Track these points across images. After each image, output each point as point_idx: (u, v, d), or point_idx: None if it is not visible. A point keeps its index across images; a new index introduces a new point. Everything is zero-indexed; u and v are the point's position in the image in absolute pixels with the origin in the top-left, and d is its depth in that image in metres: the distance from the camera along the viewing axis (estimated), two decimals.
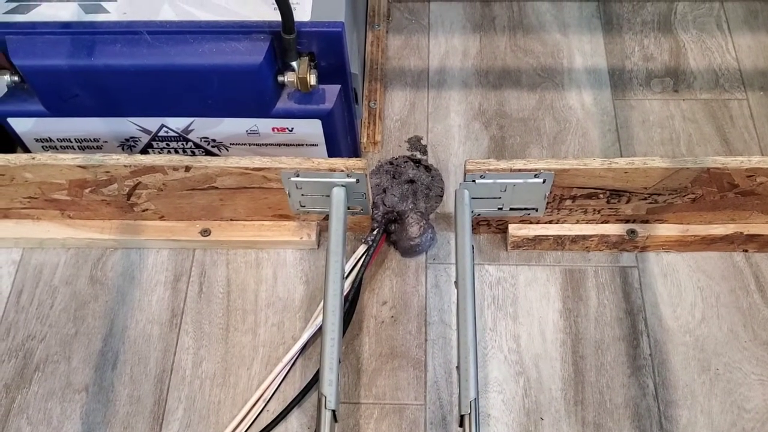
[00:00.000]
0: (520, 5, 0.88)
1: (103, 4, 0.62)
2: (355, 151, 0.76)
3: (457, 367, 0.57)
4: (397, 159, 0.76)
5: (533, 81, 0.82)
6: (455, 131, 0.79)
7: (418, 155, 0.77)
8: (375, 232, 0.69)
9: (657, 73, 0.82)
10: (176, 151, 0.72)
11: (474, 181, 0.63)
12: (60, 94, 0.64)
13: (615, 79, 0.82)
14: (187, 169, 0.64)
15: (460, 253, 0.61)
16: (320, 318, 0.66)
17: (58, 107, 0.66)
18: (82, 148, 0.71)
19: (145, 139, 0.70)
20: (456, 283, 0.61)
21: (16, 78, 0.64)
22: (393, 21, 0.87)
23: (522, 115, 0.80)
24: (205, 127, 0.68)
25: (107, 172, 0.64)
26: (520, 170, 0.62)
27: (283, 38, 0.60)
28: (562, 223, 0.69)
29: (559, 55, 0.84)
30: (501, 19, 0.87)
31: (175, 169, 0.64)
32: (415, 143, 0.78)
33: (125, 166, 0.63)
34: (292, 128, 0.68)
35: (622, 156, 0.76)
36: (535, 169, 0.61)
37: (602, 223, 0.69)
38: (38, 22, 0.61)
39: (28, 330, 0.68)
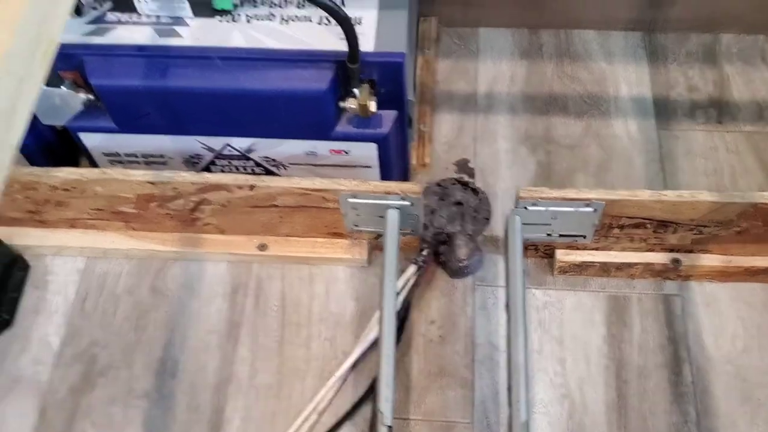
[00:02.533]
0: (567, 33, 0.91)
1: (177, 28, 0.66)
2: (405, 173, 0.78)
3: (508, 389, 0.59)
4: (445, 181, 0.79)
5: (579, 108, 0.84)
6: (502, 155, 0.81)
7: (466, 178, 0.80)
8: (425, 253, 0.72)
9: (701, 104, 0.84)
10: (237, 169, 0.75)
11: (526, 207, 0.65)
12: (132, 112, 0.68)
13: (659, 109, 0.84)
14: (252, 188, 0.67)
15: (512, 279, 0.64)
16: (371, 334, 0.68)
17: (128, 124, 0.69)
18: (147, 163, 0.75)
19: (208, 156, 0.73)
20: (507, 307, 0.63)
21: (91, 96, 0.67)
22: (442, 46, 0.90)
23: (568, 142, 0.82)
24: (266, 148, 0.71)
25: (175, 188, 0.67)
26: (572, 199, 0.64)
27: (348, 67, 0.62)
28: (608, 250, 0.71)
29: (604, 83, 0.86)
30: (548, 46, 0.90)
31: (240, 187, 0.67)
32: (463, 166, 0.81)
33: (192, 183, 0.67)
34: (349, 150, 0.71)
35: (666, 187, 0.78)
36: (587, 199, 0.64)
37: (647, 251, 0.71)
38: (115, 44, 0.64)
39: (92, 336, 0.71)
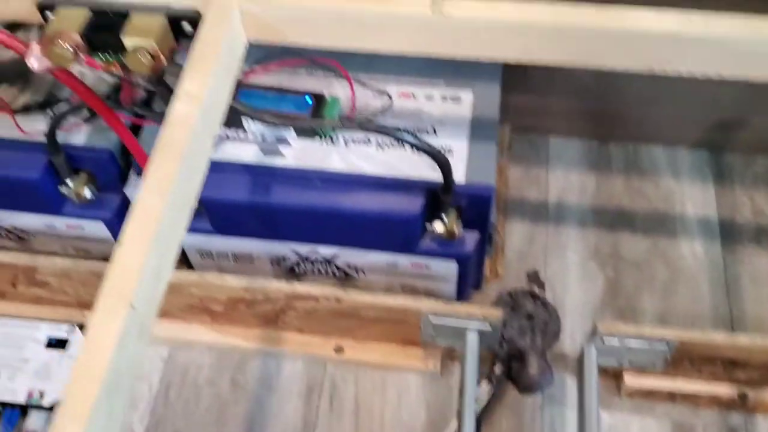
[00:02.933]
0: (636, 148, 0.94)
1: (281, 148, 0.70)
2: (478, 283, 0.81)
3: None
4: (516, 292, 0.82)
5: (646, 225, 0.87)
6: (572, 268, 0.84)
7: (536, 289, 0.83)
8: (498, 371, 0.74)
9: (767, 229, 0.86)
10: (319, 271, 0.78)
11: (602, 340, 0.68)
12: (232, 221, 0.72)
13: (725, 231, 0.86)
14: (338, 300, 0.70)
15: (587, 408, 0.66)
16: None
17: (226, 229, 0.73)
18: (237, 261, 0.78)
19: (294, 259, 0.77)
20: (579, 416, 0.66)
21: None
22: (514, 152, 0.93)
23: (635, 259, 0.84)
24: (350, 256, 0.75)
25: (266, 295, 0.71)
26: (647, 337, 0.66)
27: (440, 196, 0.66)
28: (676, 378, 0.73)
29: (671, 201, 0.89)
30: (617, 159, 0.93)
31: (327, 299, 0.70)
32: (534, 277, 0.84)
33: (284, 292, 0.70)
34: (429, 265, 0.74)
35: (731, 315, 0.80)
36: (662, 337, 0.66)
37: (714, 381, 0.73)
38: (223, 161, 0.69)
39: (175, 426, 0.75)
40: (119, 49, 0.56)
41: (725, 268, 0.83)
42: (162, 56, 0.55)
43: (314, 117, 0.69)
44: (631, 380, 0.74)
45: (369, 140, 0.70)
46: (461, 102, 0.72)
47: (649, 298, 0.82)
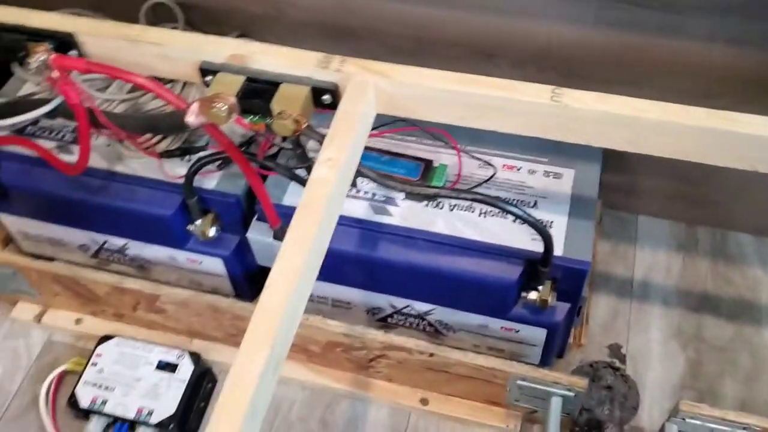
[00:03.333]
0: (723, 233, 0.96)
1: (388, 207, 0.76)
2: (562, 351, 0.85)
3: None
4: (597, 363, 0.85)
5: (731, 311, 0.89)
6: (653, 345, 0.87)
7: (617, 363, 0.85)
8: None
9: None
10: (411, 325, 0.83)
11: (684, 419, 0.70)
12: (337, 269, 0.77)
13: None
14: (431, 355, 0.75)
15: None
16: None
17: (330, 276, 0.79)
18: (335, 306, 0.84)
19: (389, 310, 0.82)
20: None
21: None
22: (604, 227, 0.97)
23: (718, 344, 0.86)
24: (443, 315, 0.80)
25: (363, 342, 0.76)
26: (732, 421, 0.68)
27: (539, 268, 0.70)
28: None
29: (758, 290, 0.91)
30: (704, 243, 0.95)
31: (421, 352, 0.75)
32: (615, 350, 0.87)
33: (380, 342, 0.75)
34: (519, 330, 0.78)
35: None
36: (746, 424, 0.68)
37: None
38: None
39: None
40: (266, 112, 0.63)
41: None
42: (303, 122, 0.62)
43: (423, 181, 0.75)
44: None
45: (472, 207, 0.75)
46: (563, 178, 0.77)
47: (731, 384, 0.83)
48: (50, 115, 0.78)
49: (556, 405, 0.73)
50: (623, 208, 0.98)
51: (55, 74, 0.67)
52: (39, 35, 0.67)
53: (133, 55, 0.66)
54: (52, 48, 0.67)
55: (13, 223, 0.89)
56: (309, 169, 0.68)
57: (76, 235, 0.87)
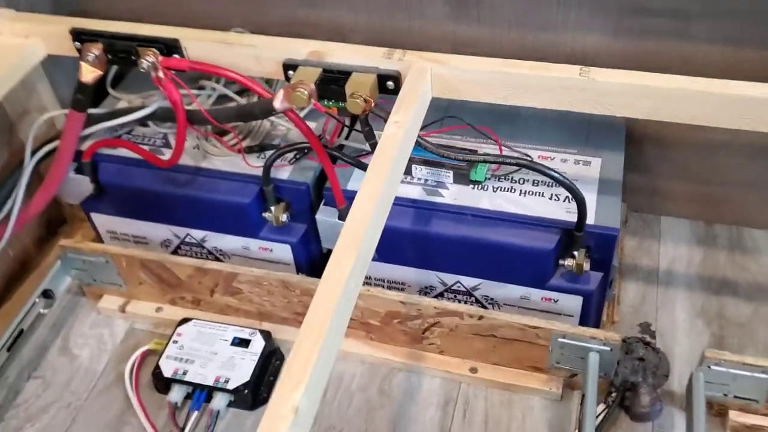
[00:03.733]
0: (739, 229, 1.05)
1: (440, 190, 0.87)
2: (596, 326, 0.93)
3: None
4: (630, 338, 0.93)
5: (749, 294, 0.98)
6: (680, 323, 0.95)
7: (648, 338, 0.93)
8: (613, 395, 0.85)
9: None
10: (460, 303, 0.92)
11: (709, 366, 0.78)
12: (394, 247, 0.88)
13: None
14: (480, 318, 0.84)
15: (696, 426, 0.76)
16: None
17: (387, 256, 0.90)
18: (390, 288, 0.94)
19: (440, 288, 0.92)
20: None
21: None
22: (630, 226, 1.07)
23: (739, 321, 0.94)
24: (489, 289, 0.89)
25: (419, 309, 0.86)
26: (751, 365, 0.76)
27: (574, 234, 0.81)
28: None
29: None
30: (722, 238, 1.05)
31: (471, 316, 0.84)
32: (645, 328, 0.95)
33: (435, 307, 0.85)
34: (558, 300, 0.87)
35: None
36: (763, 366, 0.76)
37: None
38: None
39: (330, 421, 0.88)
40: (340, 97, 0.76)
41: None
42: (371, 101, 0.74)
43: (469, 168, 0.87)
44: (735, 416, 0.82)
45: (512, 188, 0.86)
46: (591, 165, 0.88)
47: (752, 354, 0.91)
48: (149, 118, 0.91)
49: (593, 360, 0.82)
50: (647, 210, 1.09)
51: (161, 74, 0.80)
52: (148, 41, 0.81)
53: (228, 57, 0.80)
54: (159, 52, 0.80)
55: (104, 222, 1.01)
56: (374, 147, 0.79)
57: (159, 231, 0.99)
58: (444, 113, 0.91)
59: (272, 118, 0.92)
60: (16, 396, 0.94)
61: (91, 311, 1.03)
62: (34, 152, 0.93)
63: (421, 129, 0.78)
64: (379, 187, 0.62)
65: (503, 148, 0.90)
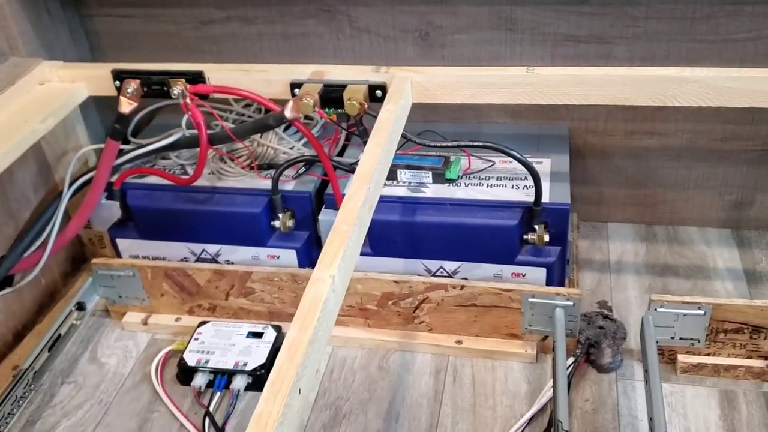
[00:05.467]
0: (675, 228, 1.24)
1: (422, 188, 1.04)
2: None
3: None
4: (589, 313, 1.08)
5: (687, 273, 1.15)
6: (632, 300, 1.11)
7: (606, 312, 1.09)
8: (579, 351, 1.00)
9: None
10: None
11: (656, 309, 0.94)
12: (385, 239, 1.04)
13: (748, 277, 1.13)
14: (462, 287, 0.99)
15: (650, 359, 0.90)
16: (544, 398, 0.95)
17: (379, 249, 1.05)
18: None
19: (426, 276, 1.07)
20: (645, 375, 0.89)
21: None
22: (582, 232, 1.25)
23: (682, 294, 1.11)
24: (467, 270, 1.05)
25: (410, 287, 1.01)
26: (688, 303, 0.93)
27: (533, 209, 0.98)
28: (717, 355, 0.97)
29: (704, 259, 1.17)
30: (660, 235, 1.23)
31: (454, 287, 1.00)
32: (603, 304, 1.11)
33: (423, 282, 1.00)
34: (525, 274, 1.03)
35: None
36: (698, 303, 0.92)
37: (747, 358, 0.96)
38: (383, 195, 1.03)
39: (338, 393, 1.00)
40: (339, 105, 0.95)
41: (750, 299, 1.09)
42: (365, 104, 0.93)
43: (444, 169, 1.05)
44: (683, 358, 0.97)
45: (481, 183, 1.04)
46: (543, 164, 1.07)
47: None
48: (172, 146, 1.08)
49: (560, 316, 0.97)
50: (595, 218, 1.27)
51: (188, 100, 0.98)
52: (177, 75, 1.00)
53: (245, 82, 0.99)
54: (186, 81, 0.99)
55: (127, 247, 1.16)
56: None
57: (177, 250, 1.13)
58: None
59: (275, 144, 1.10)
60: (52, 398, 1.04)
61: (115, 328, 1.15)
62: (71, 183, 1.09)
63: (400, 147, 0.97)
64: (378, 150, 0.80)
65: (471, 157, 1.09)
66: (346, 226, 0.70)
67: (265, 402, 0.53)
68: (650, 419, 0.86)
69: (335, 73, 0.96)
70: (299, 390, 0.56)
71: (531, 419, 0.94)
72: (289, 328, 0.61)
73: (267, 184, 1.06)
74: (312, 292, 0.63)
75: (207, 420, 0.97)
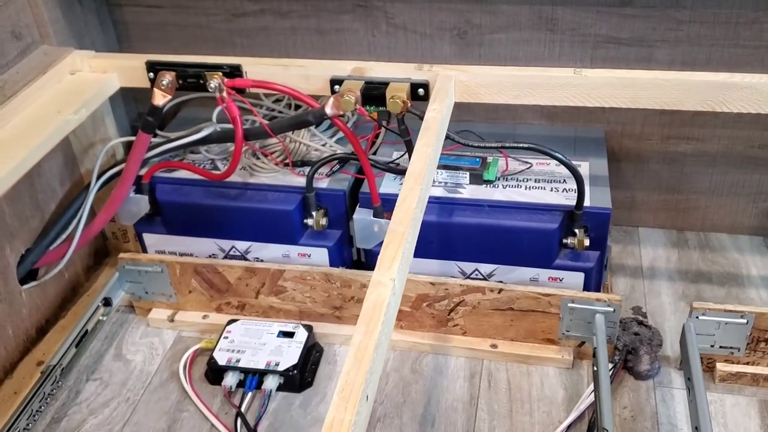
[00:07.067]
0: (707, 234, 1.23)
1: (459, 189, 1.03)
2: None
3: None
4: (624, 319, 1.07)
5: (721, 280, 1.14)
6: (666, 306, 1.10)
7: (640, 318, 1.08)
8: (617, 357, 0.98)
9: None
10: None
11: (698, 317, 0.93)
12: (421, 240, 1.02)
13: None
14: (500, 291, 0.98)
15: (694, 368, 0.89)
16: (583, 405, 0.93)
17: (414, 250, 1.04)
18: None
19: (460, 279, 1.05)
20: (687, 383, 0.88)
21: None
22: (613, 237, 1.24)
23: (716, 301, 1.09)
24: (503, 273, 1.03)
25: (446, 288, 0.99)
26: (731, 311, 0.91)
27: (574, 213, 0.97)
28: (757, 365, 0.95)
29: (738, 267, 1.16)
30: (692, 241, 1.22)
31: (491, 290, 0.98)
32: (637, 310, 1.09)
33: (460, 285, 0.99)
34: (563, 278, 1.02)
35: None
36: (741, 311, 0.91)
37: None
38: None
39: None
40: (380, 103, 0.93)
41: None
42: (408, 102, 0.91)
43: (482, 170, 1.03)
44: (722, 366, 0.96)
45: (519, 185, 1.03)
46: (581, 167, 1.05)
47: None
48: (204, 141, 1.06)
49: (600, 321, 0.95)
50: (626, 223, 1.26)
51: (225, 94, 0.96)
52: (214, 68, 0.98)
53: (283, 77, 0.97)
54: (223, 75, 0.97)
55: (154, 242, 1.14)
56: (408, 144, 0.96)
57: (206, 246, 1.11)
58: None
59: (308, 141, 1.08)
60: (77, 396, 1.02)
61: (140, 324, 1.13)
62: (99, 176, 1.07)
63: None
64: (429, 150, 0.78)
65: (509, 158, 1.07)
66: (402, 228, 0.69)
67: (337, 408, 0.51)
68: (695, 428, 0.85)
69: (377, 70, 0.95)
70: (366, 397, 0.54)
71: (569, 426, 0.93)
72: (354, 333, 0.60)
73: (300, 181, 1.04)
74: (374, 295, 0.62)
75: (239, 420, 0.95)
